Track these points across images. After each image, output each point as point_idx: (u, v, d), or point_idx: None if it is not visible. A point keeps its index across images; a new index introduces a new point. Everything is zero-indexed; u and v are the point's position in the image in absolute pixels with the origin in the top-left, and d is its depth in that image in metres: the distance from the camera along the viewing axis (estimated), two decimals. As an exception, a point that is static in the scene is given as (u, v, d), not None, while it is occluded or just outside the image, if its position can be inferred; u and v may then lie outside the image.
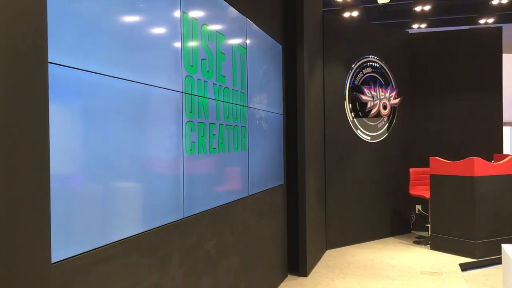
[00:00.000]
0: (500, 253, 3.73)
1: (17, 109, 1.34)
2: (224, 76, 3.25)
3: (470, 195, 5.63)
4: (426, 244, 6.31)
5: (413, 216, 7.25)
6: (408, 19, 10.17)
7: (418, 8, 8.27)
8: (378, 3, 8.09)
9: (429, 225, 6.21)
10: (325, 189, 6.17)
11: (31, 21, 1.40)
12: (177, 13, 2.58)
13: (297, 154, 5.08)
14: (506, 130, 14.29)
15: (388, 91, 6.96)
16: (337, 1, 8.13)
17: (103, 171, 1.92)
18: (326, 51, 6.24)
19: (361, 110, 6.69)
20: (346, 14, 8.00)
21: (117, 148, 2.02)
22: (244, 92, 3.68)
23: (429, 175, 6.17)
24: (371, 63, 6.89)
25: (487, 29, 7.59)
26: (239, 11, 3.59)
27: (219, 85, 3.16)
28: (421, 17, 9.31)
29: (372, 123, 6.83)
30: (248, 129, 3.78)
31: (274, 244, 4.57)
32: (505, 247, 3.36)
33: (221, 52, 3.21)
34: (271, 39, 4.52)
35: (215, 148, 3.08)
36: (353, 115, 6.61)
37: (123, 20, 2.10)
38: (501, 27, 7.39)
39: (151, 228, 2.27)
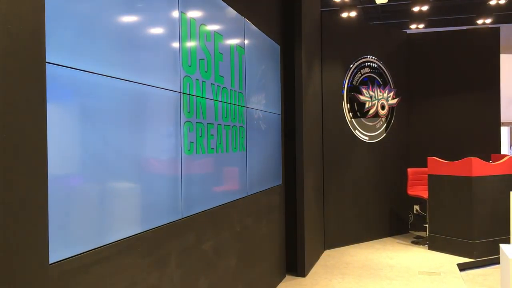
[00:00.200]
0: (498, 253, 3.74)
1: (14, 109, 1.33)
2: (222, 76, 3.25)
3: (468, 195, 5.64)
4: (424, 244, 6.32)
5: (411, 216, 7.26)
6: (406, 19, 10.19)
7: (416, 9, 8.28)
8: (376, 3, 8.10)
9: (427, 225, 6.22)
10: (323, 189, 6.18)
11: (28, 21, 1.39)
12: (175, 13, 2.58)
13: (295, 154, 5.08)
14: (504, 130, 14.32)
15: (386, 91, 6.97)
16: (335, 1, 8.13)
17: (101, 171, 1.91)
18: (324, 51, 6.24)
19: (359, 110, 6.70)
20: (344, 14, 8.00)
21: (115, 148, 2.02)
22: (242, 92, 3.68)
23: (427, 175, 6.18)
24: (369, 63, 6.89)
25: (484, 30, 7.60)
26: (237, 11, 3.59)
27: (217, 85, 3.16)
28: (419, 17, 9.32)
29: (370, 123, 6.83)
30: (247, 129, 3.77)
31: (272, 244, 4.57)
32: (503, 247, 3.37)
33: (219, 52, 3.20)
34: (269, 39, 4.52)
35: (213, 149, 3.07)
36: (351, 115, 6.62)
37: (121, 20, 2.09)
38: (499, 27, 7.41)
39: (149, 228, 2.26)
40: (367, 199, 6.74)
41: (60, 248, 1.65)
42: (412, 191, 6.57)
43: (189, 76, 2.72)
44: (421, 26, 9.73)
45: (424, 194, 6.31)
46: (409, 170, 6.67)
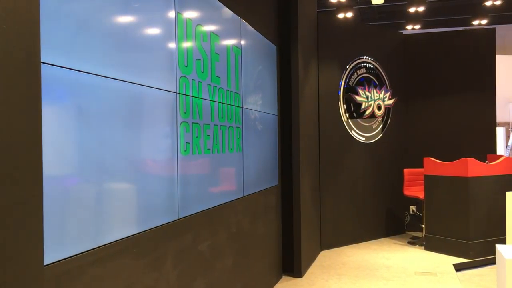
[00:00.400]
0: (494, 253, 3.74)
1: (9, 110, 1.32)
2: (219, 77, 3.24)
3: (464, 195, 5.65)
4: (420, 245, 6.33)
5: (408, 217, 7.27)
6: (402, 20, 10.20)
7: (412, 9, 8.30)
8: (372, 4, 8.11)
9: (423, 226, 6.23)
10: (320, 190, 6.18)
11: (23, 21, 1.38)
12: (172, 14, 2.57)
13: (291, 155, 5.08)
14: (499, 130, 14.39)
15: (383, 92, 6.98)
16: (331, 2, 8.14)
17: (96, 172, 1.90)
18: (320, 52, 6.25)
19: (355, 111, 6.71)
20: (341, 15, 8.01)
21: (111, 149, 2.01)
22: (238, 93, 3.67)
23: (423, 176, 6.19)
24: (365, 64, 6.90)
25: (480, 30, 7.63)
26: (233, 12, 3.58)
27: (214, 86, 3.15)
28: (415, 18, 9.34)
29: (367, 124, 6.84)
30: (243, 130, 3.77)
31: (269, 245, 4.57)
32: (499, 247, 3.37)
33: (216, 53, 3.20)
34: (266, 39, 4.52)
35: (209, 149, 3.07)
36: (347, 116, 6.63)
37: (117, 20, 2.08)
38: (495, 28, 7.44)
39: (145, 229, 2.25)
40: (363, 199, 6.75)
41: (55, 249, 1.64)
42: (408, 191, 6.58)
43: (185, 77, 2.71)
44: (417, 27, 9.75)
45: (420, 195, 6.32)
46: (405, 170, 6.68)
